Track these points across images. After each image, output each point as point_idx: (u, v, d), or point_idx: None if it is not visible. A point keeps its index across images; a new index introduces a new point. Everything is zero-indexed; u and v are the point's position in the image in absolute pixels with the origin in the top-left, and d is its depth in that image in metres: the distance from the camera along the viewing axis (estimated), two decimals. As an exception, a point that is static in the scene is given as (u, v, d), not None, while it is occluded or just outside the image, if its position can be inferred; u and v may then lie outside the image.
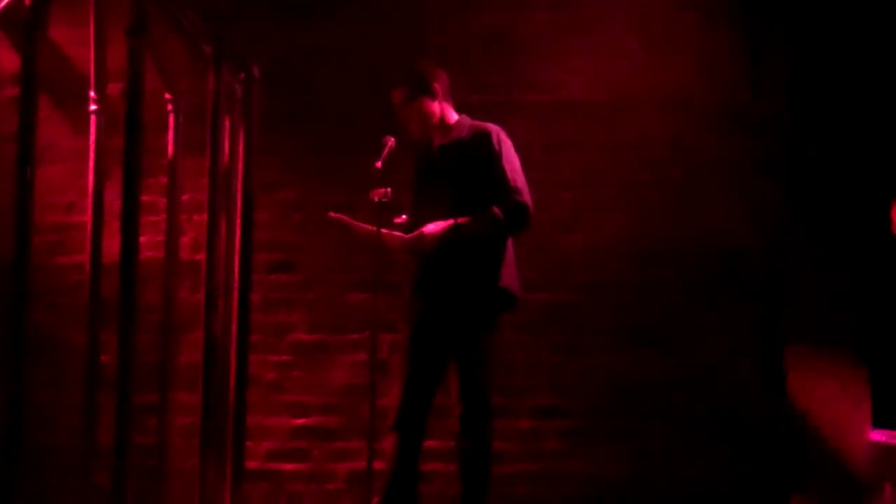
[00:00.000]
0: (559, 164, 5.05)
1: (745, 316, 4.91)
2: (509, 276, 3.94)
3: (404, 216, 4.01)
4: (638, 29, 5.09)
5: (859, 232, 4.81)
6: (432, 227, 3.87)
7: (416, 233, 3.89)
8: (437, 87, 4.03)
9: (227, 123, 4.35)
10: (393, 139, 3.95)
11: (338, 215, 3.93)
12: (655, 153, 5.02)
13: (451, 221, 3.86)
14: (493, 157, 3.93)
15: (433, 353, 3.91)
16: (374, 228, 3.85)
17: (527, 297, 4.97)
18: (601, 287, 4.99)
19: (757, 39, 5.03)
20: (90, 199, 3.90)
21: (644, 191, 5.02)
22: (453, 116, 4.09)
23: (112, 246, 3.68)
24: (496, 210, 3.87)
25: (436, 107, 4.03)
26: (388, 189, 3.85)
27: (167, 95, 4.36)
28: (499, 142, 3.96)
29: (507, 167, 3.92)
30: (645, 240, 4.99)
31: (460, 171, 3.96)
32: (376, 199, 3.84)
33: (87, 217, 3.93)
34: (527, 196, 3.92)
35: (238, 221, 4.39)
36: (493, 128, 4.01)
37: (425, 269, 3.96)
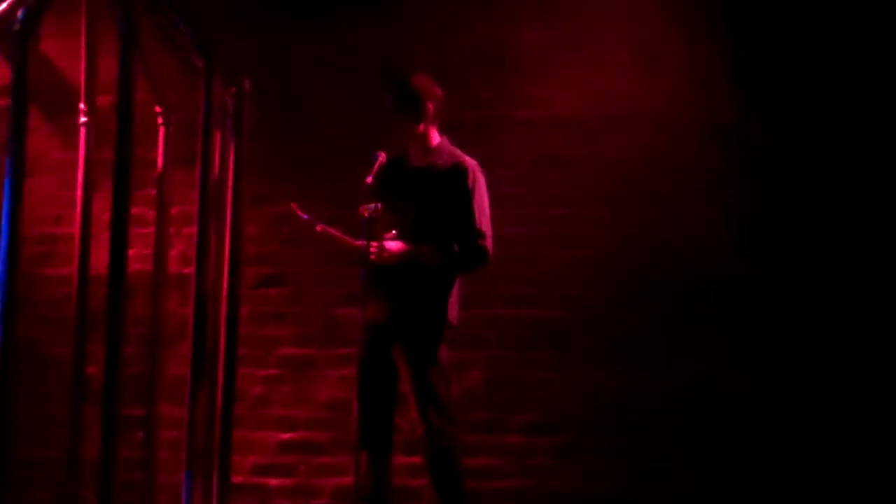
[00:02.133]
0: (548, 179, 5.06)
1: (732, 330, 4.91)
2: (454, 309, 4.01)
3: (394, 231, 4.00)
4: (627, 46, 5.11)
5: (846, 247, 4.83)
6: (393, 247, 3.91)
7: (375, 246, 3.90)
8: (430, 107, 4.02)
9: (217, 137, 4.34)
10: (384, 154, 3.94)
11: (295, 207, 3.96)
12: (643, 169, 5.03)
13: (411, 247, 3.91)
14: (464, 196, 3.95)
15: (381, 372, 3.95)
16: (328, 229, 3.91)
17: (515, 312, 5.02)
18: (590, 302, 4.99)
19: (744, 57, 5.05)
20: (78, 211, 3.89)
21: (632, 206, 5.03)
22: (436, 139, 4.08)
23: (100, 258, 3.66)
24: (456, 249, 3.92)
25: (421, 127, 4.03)
26: (378, 204, 3.85)
27: (157, 108, 4.35)
28: (473, 180, 3.98)
29: (476, 208, 3.95)
30: (633, 255, 4.99)
31: (429, 199, 3.97)
32: (366, 214, 3.84)
33: (76, 229, 3.91)
34: (489, 240, 3.97)
35: (227, 235, 4.37)
36: (471, 163, 4.02)
37: (381, 285, 3.95)
